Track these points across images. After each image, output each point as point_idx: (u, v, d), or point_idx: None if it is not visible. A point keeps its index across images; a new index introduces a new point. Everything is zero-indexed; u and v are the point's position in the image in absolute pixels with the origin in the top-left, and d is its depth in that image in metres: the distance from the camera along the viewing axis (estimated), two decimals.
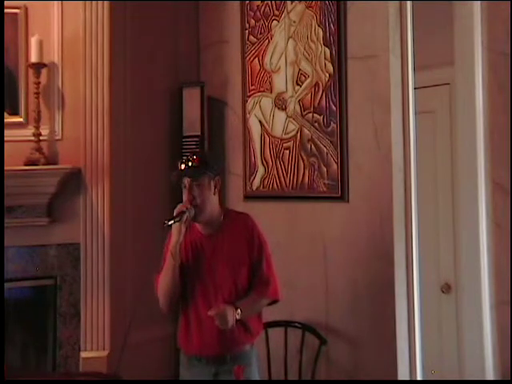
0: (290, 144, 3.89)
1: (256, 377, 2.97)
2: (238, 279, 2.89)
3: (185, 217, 2.80)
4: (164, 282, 2.87)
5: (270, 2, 3.99)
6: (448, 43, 3.52)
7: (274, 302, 3.01)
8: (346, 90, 3.67)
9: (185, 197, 2.87)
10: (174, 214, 2.81)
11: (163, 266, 2.89)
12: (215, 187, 2.92)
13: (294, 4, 3.90)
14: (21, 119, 3.82)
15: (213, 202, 2.91)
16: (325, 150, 3.73)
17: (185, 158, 2.92)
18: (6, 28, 3.76)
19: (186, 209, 2.82)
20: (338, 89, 3.68)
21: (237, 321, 2.80)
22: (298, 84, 3.86)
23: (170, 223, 2.79)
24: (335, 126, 3.69)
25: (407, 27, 3.51)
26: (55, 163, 3.80)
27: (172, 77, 4.26)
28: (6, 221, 3.54)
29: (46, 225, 3.79)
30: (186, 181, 2.87)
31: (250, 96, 4.08)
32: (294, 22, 3.89)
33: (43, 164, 3.73)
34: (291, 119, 3.89)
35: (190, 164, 2.87)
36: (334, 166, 3.69)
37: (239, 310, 2.80)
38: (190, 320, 2.92)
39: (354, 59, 3.65)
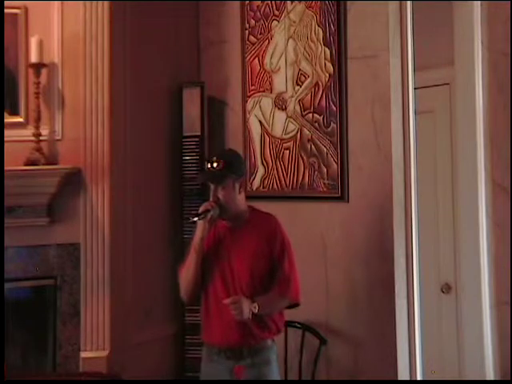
0: (290, 144, 3.89)
1: (275, 375, 3.00)
2: (256, 272, 2.93)
3: (209, 215, 2.89)
4: (186, 273, 2.99)
5: (270, 2, 4.00)
6: (448, 43, 3.53)
7: (295, 305, 3.04)
8: (346, 90, 3.67)
9: (211, 197, 2.96)
10: (199, 212, 2.89)
11: (187, 258, 2.99)
12: (240, 187, 2.99)
13: (293, 4, 3.90)
14: (21, 119, 3.81)
15: (238, 201, 2.99)
16: (325, 150, 3.73)
17: (211, 158, 3.00)
18: (6, 28, 3.75)
19: (211, 207, 2.90)
20: (338, 89, 3.69)
21: (254, 315, 2.84)
22: (297, 84, 3.86)
23: (194, 220, 2.90)
24: (335, 126, 3.69)
25: (407, 27, 3.51)
26: (55, 163, 3.79)
27: (172, 77, 4.25)
28: (5, 221, 3.52)
29: (45, 225, 3.77)
30: (211, 184, 2.98)
31: (250, 96, 4.08)
32: (294, 22, 3.89)
33: (43, 164, 3.72)
34: (291, 119, 3.89)
35: (215, 165, 2.94)
36: (334, 166, 3.69)
37: (256, 305, 2.84)
38: (210, 310, 2.98)
39: (354, 59, 3.65)
